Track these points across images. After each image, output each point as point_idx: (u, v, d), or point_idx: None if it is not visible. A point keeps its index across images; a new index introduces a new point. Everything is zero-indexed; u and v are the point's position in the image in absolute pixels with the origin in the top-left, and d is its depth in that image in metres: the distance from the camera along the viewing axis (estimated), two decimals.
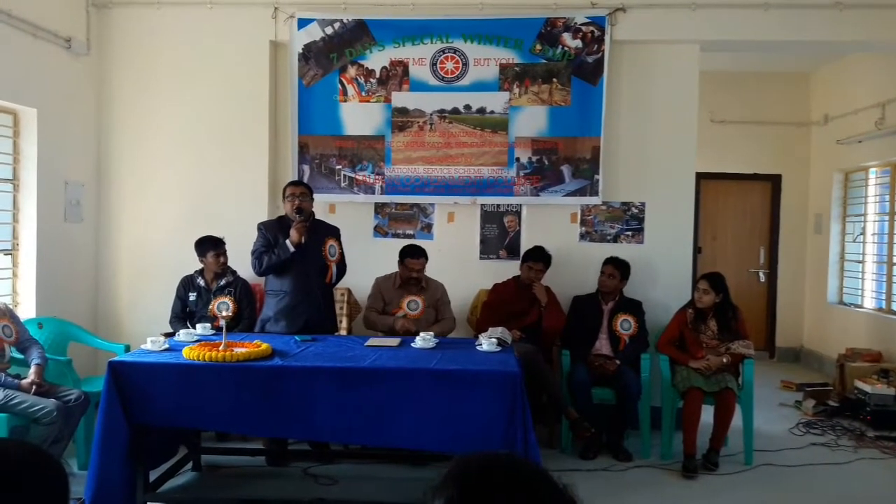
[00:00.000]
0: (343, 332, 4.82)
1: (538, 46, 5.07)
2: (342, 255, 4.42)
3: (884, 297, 6.48)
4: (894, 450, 4.77)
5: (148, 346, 3.64)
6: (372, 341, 3.97)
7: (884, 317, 6.34)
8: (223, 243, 4.63)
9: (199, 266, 4.67)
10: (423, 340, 3.85)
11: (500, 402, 3.25)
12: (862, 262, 6.93)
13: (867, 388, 5.37)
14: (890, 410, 5.21)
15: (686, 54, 5.11)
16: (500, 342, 3.84)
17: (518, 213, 5.26)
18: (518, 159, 5.12)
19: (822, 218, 7.48)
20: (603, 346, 4.78)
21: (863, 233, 6.92)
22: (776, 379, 6.71)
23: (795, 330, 7.91)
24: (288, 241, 4.20)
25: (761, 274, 8.04)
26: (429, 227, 5.31)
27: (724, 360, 4.52)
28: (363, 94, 5.18)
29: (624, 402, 4.57)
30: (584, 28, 5.04)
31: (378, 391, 3.32)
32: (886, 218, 6.54)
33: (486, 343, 3.79)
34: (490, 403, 3.25)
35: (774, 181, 7.98)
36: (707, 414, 4.46)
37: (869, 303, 6.76)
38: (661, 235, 5.18)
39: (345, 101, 5.19)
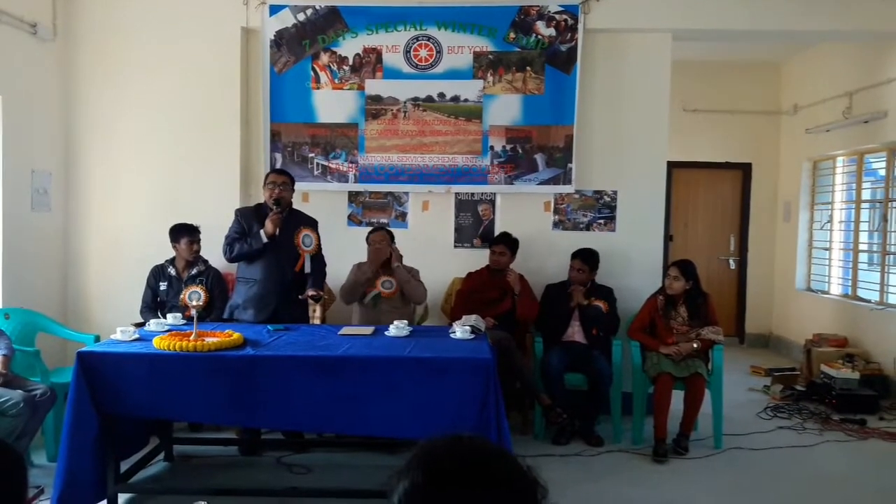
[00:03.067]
0: (317, 322, 4.80)
1: (512, 35, 5.07)
2: (319, 246, 4.39)
3: (850, 283, 6.61)
4: (858, 432, 4.88)
5: (118, 336, 3.59)
6: (345, 330, 3.97)
7: (849, 303, 6.48)
8: (198, 231, 4.59)
9: (171, 255, 4.62)
10: (397, 329, 3.85)
11: (473, 388, 3.26)
12: (829, 248, 7.06)
13: (833, 372, 5.49)
14: (854, 394, 5.34)
15: (658, 43, 5.13)
16: (474, 330, 3.86)
17: (492, 202, 5.27)
18: (492, 147, 5.13)
19: (791, 206, 7.60)
20: (575, 332, 4.82)
21: (830, 220, 7.05)
22: (745, 364, 6.82)
23: (765, 316, 8.05)
24: (262, 232, 4.16)
25: (731, 261, 8.16)
26: (403, 215, 5.30)
27: (694, 345, 4.58)
28: (336, 81, 5.15)
29: (596, 388, 4.62)
30: (557, 16, 5.05)
31: (352, 380, 3.32)
32: (852, 206, 6.67)
33: (460, 331, 3.80)
34: (463, 390, 3.27)
35: (745, 169, 8.08)
36: (677, 399, 4.53)
37: (835, 289, 6.90)
38: (633, 223, 5.23)
39: (318, 88, 5.15)
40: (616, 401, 4.69)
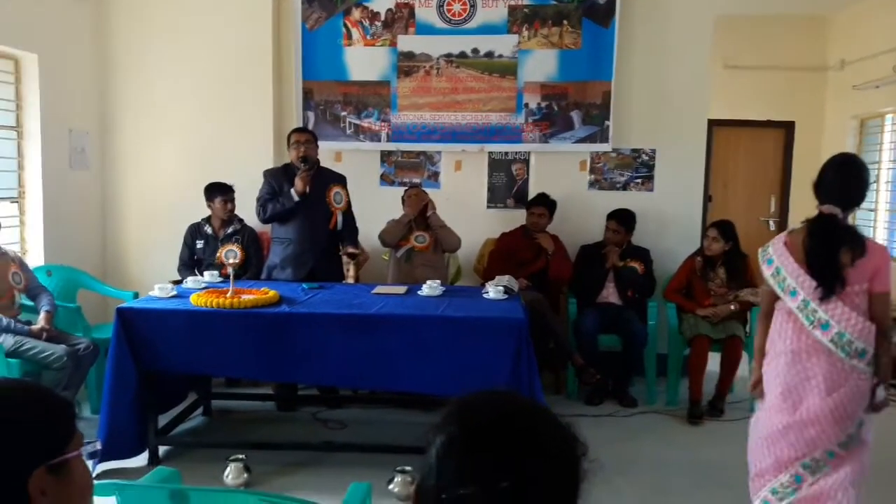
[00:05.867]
0: (350, 281, 4.82)
1: None
2: (349, 203, 4.39)
3: (895, 245, 6.41)
4: None
5: (156, 293, 3.65)
6: (379, 289, 3.98)
7: (894, 265, 6.28)
8: (232, 190, 4.61)
9: (206, 214, 4.66)
10: (430, 288, 3.85)
11: (506, 348, 3.26)
12: (874, 210, 6.84)
13: None
14: None
15: None
16: (507, 290, 3.83)
17: (526, 161, 5.19)
18: (527, 105, 5.03)
19: None
20: (610, 294, 4.77)
21: (876, 181, 6.81)
22: None
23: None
24: (293, 190, 4.17)
25: (771, 222, 7.97)
26: (436, 175, 5.25)
27: (732, 307, 4.50)
28: (368, 37, 5.07)
29: (630, 350, 4.59)
30: None
31: (385, 338, 3.34)
32: None
33: (493, 291, 3.79)
34: (495, 350, 3.27)
35: (788, 128, 7.82)
36: (713, 362, 4.48)
37: None
38: (672, 183, 5.12)
39: (349, 45, 5.08)
40: (651, 362, 4.65)
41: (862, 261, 2.48)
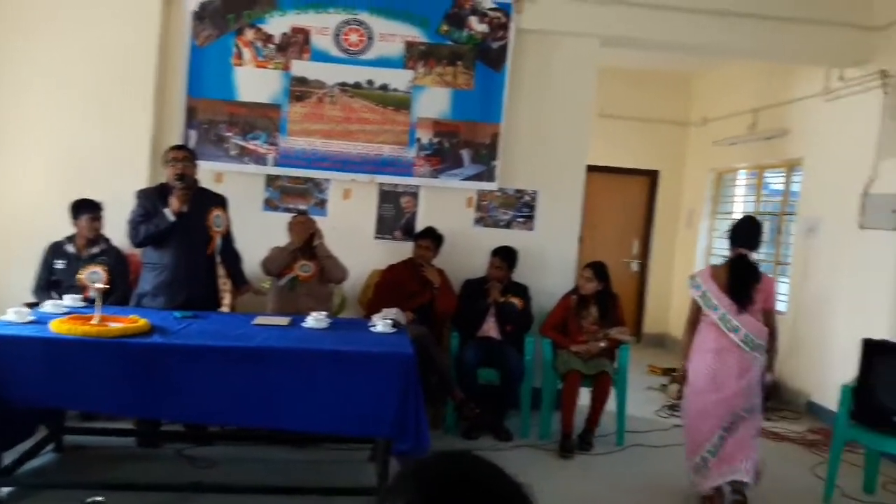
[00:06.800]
0: (225, 310, 4.62)
1: (445, 27, 5.03)
2: (229, 226, 4.21)
3: None
4: None
5: (10, 317, 3.31)
6: (260, 319, 3.83)
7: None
8: (101, 208, 4.30)
9: (69, 232, 4.31)
10: (316, 320, 3.75)
11: (395, 383, 3.22)
12: (727, 256, 7.44)
13: None
14: None
15: (586, 48, 5.23)
16: (394, 323, 3.81)
17: (415, 195, 5.23)
18: (419, 140, 5.08)
19: (694, 214, 7.97)
20: (490, 328, 4.86)
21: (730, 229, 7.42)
22: (643, 363, 7.10)
23: (662, 317, 8.41)
24: (168, 210, 3.92)
25: (634, 264, 8.48)
26: (323, 202, 5.17)
27: (602, 344, 4.72)
28: (260, 58, 4.95)
29: (508, 384, 4.68)
30: (490, 13, 5.05)
31: (269, 372, 3.20)
32: None
33: (381, 324, 3.75)
34: (384, 385, 3.22)
35: (652, 176, 8.40)
36: (584, 397, 4.66)
37: None
38: (551, 224, 5.33)
39: (240, 65, 4.93)
40: (526, 396, 4.78)
41: (759, 287, 3.69)
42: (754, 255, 3.85)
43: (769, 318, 3.73)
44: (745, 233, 3.83)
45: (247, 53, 4.93)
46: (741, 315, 3.64)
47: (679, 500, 3.92)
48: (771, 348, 3.76)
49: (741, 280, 3.68)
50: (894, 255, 4.87)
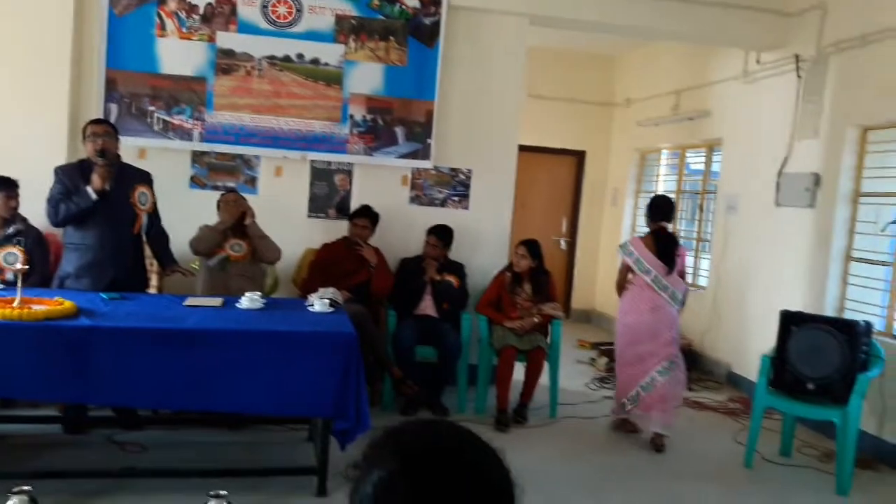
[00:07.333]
0: (153, 291, 4.46)
1: (376, 1, 4.96)
2: (155, 204, 4.06)
3: None
4: None
5: None
6: (191, 300, 3.74)
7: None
8: (16, 185, 4.05)
9: None
10: (250, 301, 3.68)
11: (336, 363, 3.21)
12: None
13: None
14: None
15: (516, 26, 5.26)
16: (332, 303, 3.78)
17: (349, 172, 5.16)
18: (352, 116, 5.01)
19: (619, 192, 8.20)
20: (427, 306, 4.88)
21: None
22: (573, 338, 7.28)
23: (589, 293, 8.65)
24: (89, 188, 3.73)
25: (562, 242, 8.67)
26: (253, 180, 5.04)
27: (536, 319, 4.81)
28: (184, 30, 4.75)
29: (445, 361, 4.72)
30: None
31: (204, 354, 3.13)
32: (673, 195, 7.30)
33: (319, 304, 3.71)
34: (325, 365, 3.20)
35: (579, 156, 8.58)
36: (518, 372, 4.75)
37: None
38: (485, 202, 5.37)
39: (163, 36, 4.73)
40: (462, 372, 4.83)
41: (678, 252, 4.51)
42: (670, 227, 4.68)
43: (683, 277, 4.61)
44: (663, 209, 4.59)
45: (170, 24, 4.72)
46: (669, 276, 4.42)
47: (613, 471, 4.06)
48: (683, 302, 4.57)
49: (667, 247, 4.44)
50: (808, 231, 5.15)
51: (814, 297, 5.00)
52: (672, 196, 7.24)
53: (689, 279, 6.80)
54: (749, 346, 5.61)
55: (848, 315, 4.70)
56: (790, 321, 4.16)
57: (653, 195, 5.23)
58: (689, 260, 6.88)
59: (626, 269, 4.56)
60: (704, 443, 4.63)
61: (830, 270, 4.91)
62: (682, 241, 7.12)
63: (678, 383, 4.46)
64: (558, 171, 8.61)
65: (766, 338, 4.65)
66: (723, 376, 6.09)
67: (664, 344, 4.39)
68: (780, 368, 4.13)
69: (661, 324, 4.40)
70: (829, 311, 4.81)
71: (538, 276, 4.93)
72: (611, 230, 8.35)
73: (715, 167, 6.64)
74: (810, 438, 4.64)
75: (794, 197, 5.27)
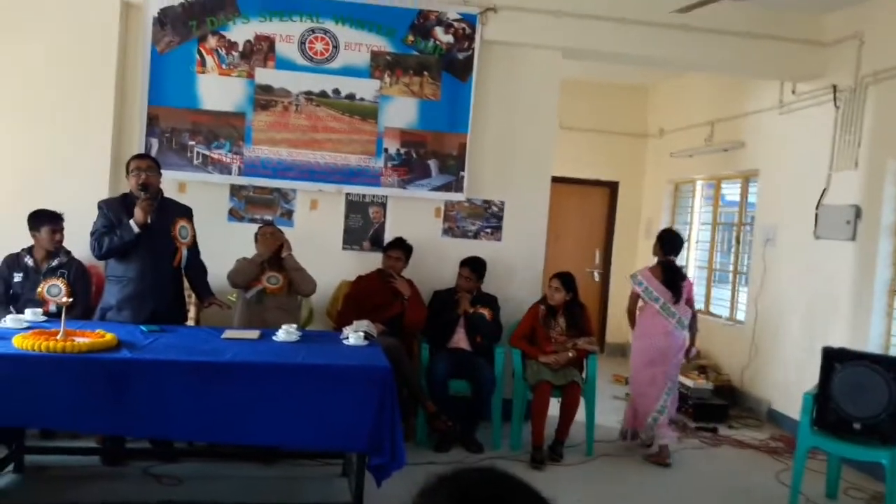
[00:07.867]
0: (191, 323, 4.51)
1: (410, 37, 5.03)
2: (195, 238, 4.12)
3: (704, 299, 7.16)
4: (712, 439, 5.28)
5: None
6: (229, 333, 3.76)
7: (703, 317, 6.99)
8: (61, 219, 4.16)
9: (26, 244, 4.15)
10: (286, 333, 3.69)
11: (370, 397, 3.19)
12: (685, 266, 7.60)
13: (689, 382, 5.89)
14: (708, 403, 5.77)
15: (549, 59, 5.29)
16: (367, 336, 3.78)
17: (384, 205, 5.20)
18: (386, 150, 5.06)
19: (652, 224, 8.11)
20: (460, 339, 4.85)
21: (687, 240, 7.59)
22: (608, 373, 7.16)
23: (623, 327, 8.49)
24: (132, 221, 3.81)
25: (596, 274, 8.58)
26: (289, 213, 5.10)
27: (571, 354, 4.75)
28: (224, 66, 4.86)
29: (479, 395, 4.67)
30: (455, 24, 5.07)
31: (241, 387, 3.14)
32: (709, 227, 7.22)
33: (353, 337, 3.71)
34: (361, 398, 3.19)
35: (612, 187, 8.53)
36: (554, 407, 4.68)
37: None
38: (518, 234, 5.35)
39: (203, 72, 4.84)
40: (497, 407, 4.77)
41: (684, 284, 4.84)
42: (678, 260, 5.10)
43: (690, 305, 4.90)
44: (673, 243, 4.94)
45: (210, 61, 4.84)
46: (676, 305, 4.74)
47: None
48: (693, 327, 4.89)
49: (674, 278, 4.80)
50: (849, 265, 5.03)
51: (857, 332, 4.86)
52: (708, 227, 7.20)
53: (724, 312, 6.77)
54: (790, 382, 5.47)
55: (894, 352, 4.56)
56: (833, 358, 4.04)
57: (662, 229, 5.57)
58: (724, 293, 6.83)
59: (635, 297, 4.89)
60: (748, 483, 4.49)
61: (874, 305, 4.78)
62: (717, 275, 7.11)
63: (676, 400, 4.98)
64: (591, 203, 8.56)
65: (807, 373, 4.54)
66: (763, 413, 5.93)
67: (673, 366, 4.79)
68: (824, 407, 4.00)
69: (671, 348, 4.74)
70: (872, 347, 4.67)
71: (573, 310, 4.88)
72: (645, 262, 8.21)
73: (751, 198, 6.55)
74: (857, 480, 4.48)
75: (834, 229, 5.16)
